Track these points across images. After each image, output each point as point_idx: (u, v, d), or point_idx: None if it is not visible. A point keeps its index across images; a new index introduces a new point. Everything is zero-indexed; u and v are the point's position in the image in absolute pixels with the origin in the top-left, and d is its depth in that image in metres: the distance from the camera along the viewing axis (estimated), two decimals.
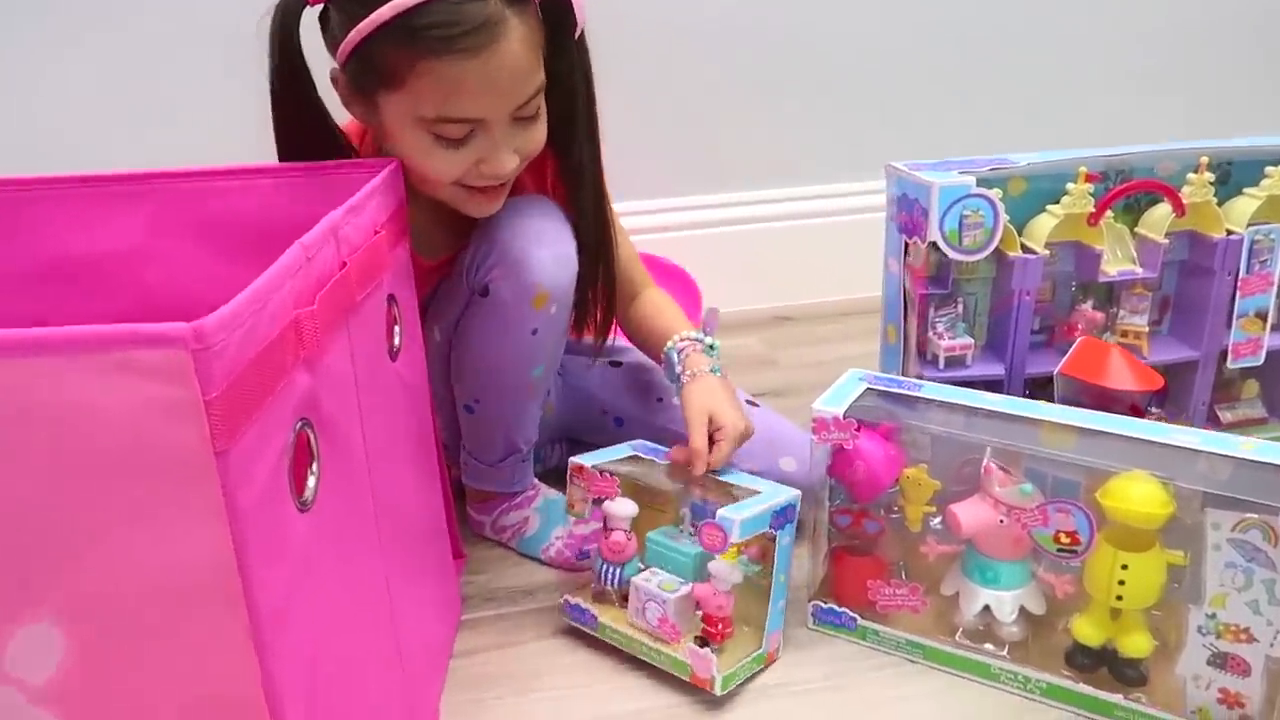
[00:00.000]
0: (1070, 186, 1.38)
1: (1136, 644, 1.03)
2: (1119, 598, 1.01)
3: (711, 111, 1.97)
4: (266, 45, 1.00)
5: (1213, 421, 1.50)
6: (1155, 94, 2.27)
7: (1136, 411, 1.27)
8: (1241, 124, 1.75)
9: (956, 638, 1.16)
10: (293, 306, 0.59)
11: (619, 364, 1.54)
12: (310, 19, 1.01)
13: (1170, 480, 0.98)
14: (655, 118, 1.91)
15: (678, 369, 1.27)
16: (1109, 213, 1.39)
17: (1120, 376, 1.25)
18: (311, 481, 0.62)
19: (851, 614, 1.20)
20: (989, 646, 1.14)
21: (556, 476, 1.39)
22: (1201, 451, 1.00)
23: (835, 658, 1.20)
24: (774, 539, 1.13)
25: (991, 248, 1.36)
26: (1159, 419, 1.37)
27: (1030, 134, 1.92)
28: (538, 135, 1.08)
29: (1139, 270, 1.41)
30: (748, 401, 1.36)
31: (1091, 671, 1.07)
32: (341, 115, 1.09)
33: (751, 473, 1.22)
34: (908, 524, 1.16)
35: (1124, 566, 1.00)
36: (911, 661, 1.18)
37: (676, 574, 1.19)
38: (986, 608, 1.13)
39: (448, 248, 1.26)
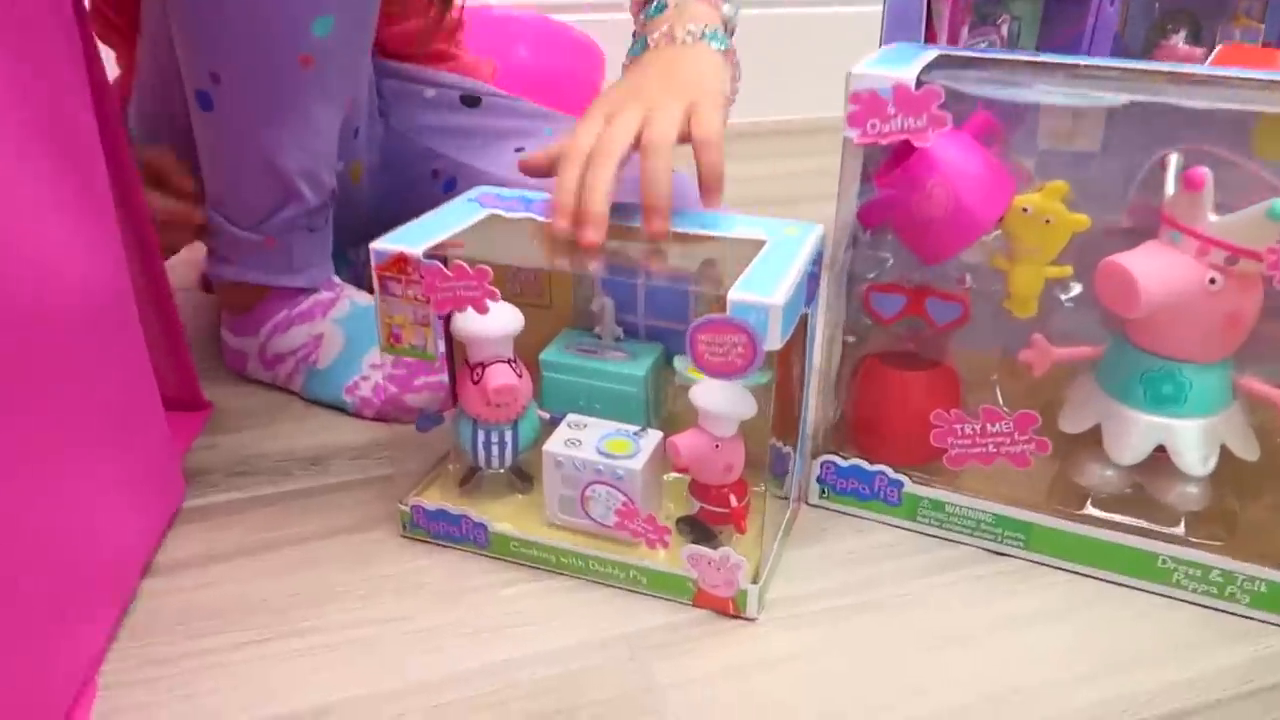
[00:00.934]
0: None
1: None
2: None
3: None
4: None
5: None
6: None
7: None
8: None
9: (1088, 508, 0.65)
10: None
11: (475, 101, 0.95)
12: None
13: None
14: None
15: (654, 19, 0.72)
16: None
17: None
18: None
19: (894, 474, 0.67)
20: (1147, 526, 0.63)
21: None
22: None
23: (866, 554, 0.67)
24: (804, 321, 0.59)
25: None
26: None
27: None
28: None
29: None
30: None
31: None
32: None
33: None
34: (1011, 304, 0.63)
35: None
36: (1003, 554, 0.66)
37: (617, 418, 0.65)
38: (1157, 453, 0.61)
39: None
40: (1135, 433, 0.61)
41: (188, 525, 0.68)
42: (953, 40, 0.99)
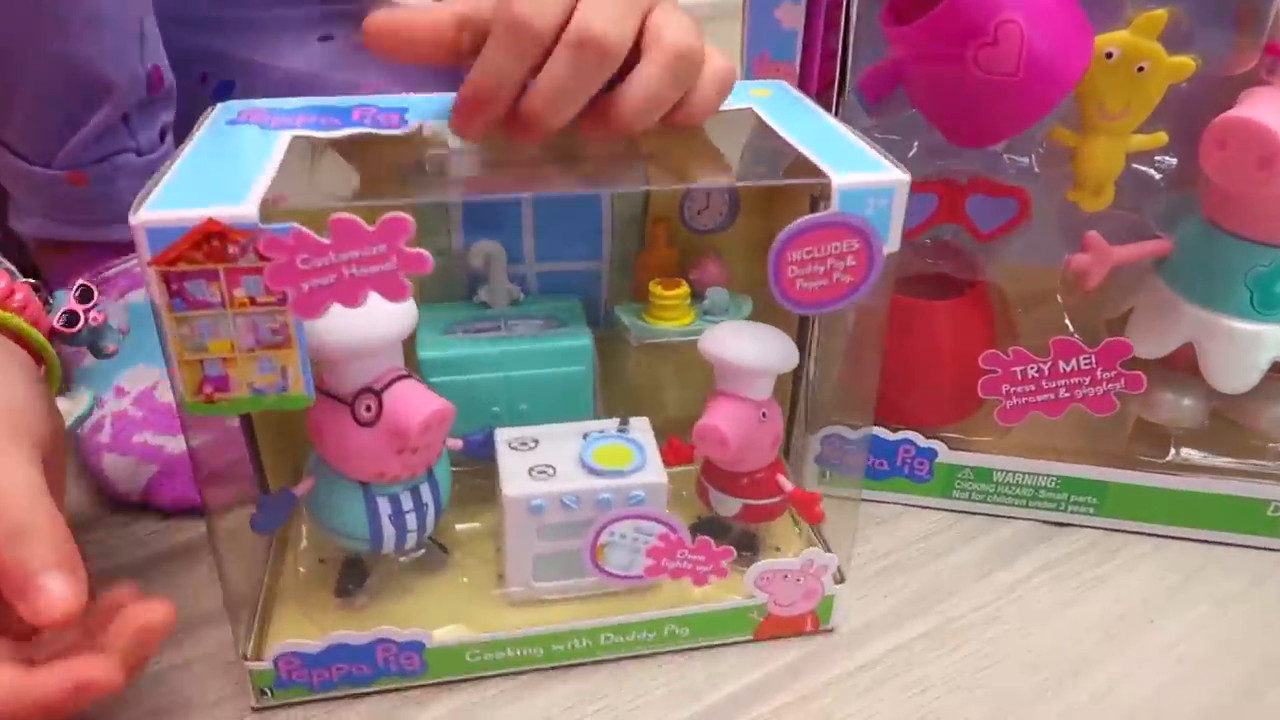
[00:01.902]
0: None
1: None
2: None
3: None
4: None
5: None
6: None
7: None
8: None
9: (1171, 456, 0.50)
10: None
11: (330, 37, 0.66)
12: None
13: None
14: None
15: None
16: None
17: None
18: None
19: (923, 441, 0.50)
20: (1249, 466, 0.50)
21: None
22: None
23: (899, 555, 0.49)
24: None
25: None
26: None
27: None
28: None
29: None
30: None
31: None
32: None
33: None
34: (1079, 194, 0.46)
35: None
36: (1068, 524, 0.51)
37: (557, 414, 0.44)
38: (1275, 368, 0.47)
39: None
40: (1248, 349, 0.46)
41: None
42: None
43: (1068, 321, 0.50)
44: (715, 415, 0.41)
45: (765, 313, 0.43)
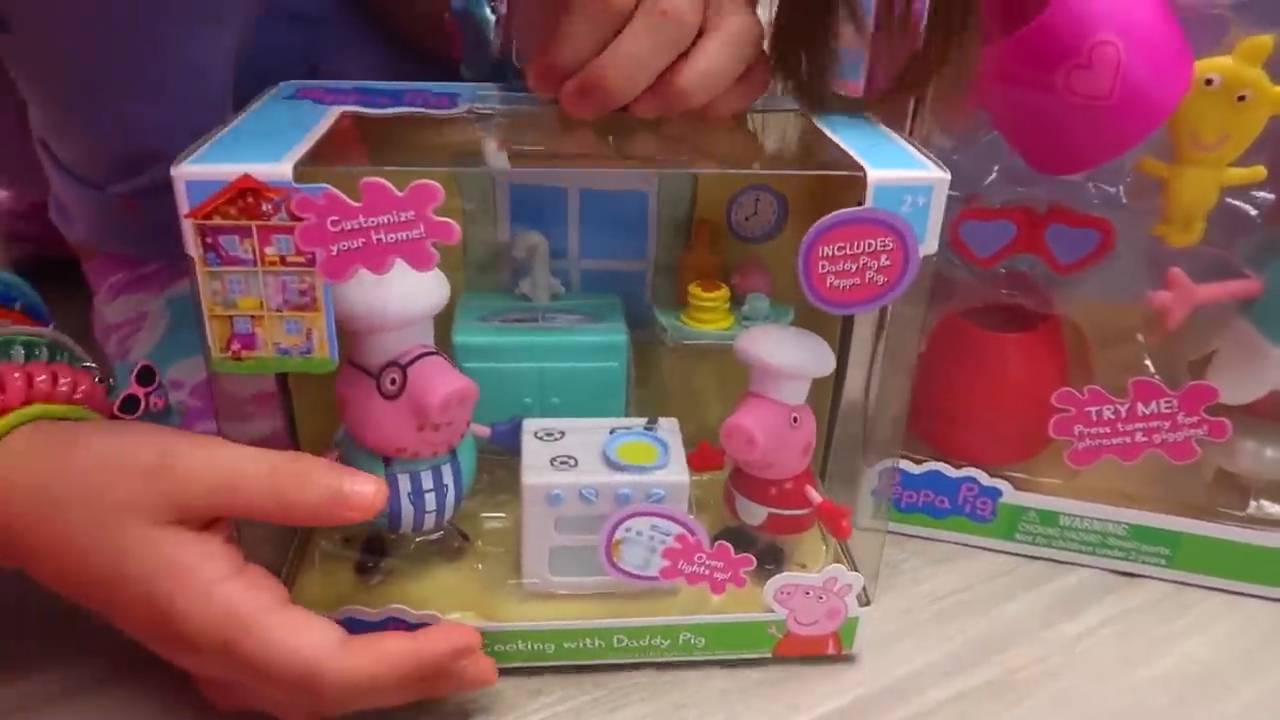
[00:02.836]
0: None
1: None
2: None
3: None
4: None
5: None
6: None
7: None
8: None
9: (1251, 509, 0.47)
10: None
11: None
12: None
13: None
14: None
15: None
16: None
17: None
18: None
19: (987, 480, 0.47)
20: None
21: None
22: None
23: (959, 597, 0.47)
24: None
25: None
26: None
27: None
28: None
29: None
30: None
31: None
32: None
33: None
34: (1168, 228, 0.43)
35: None
36: (1137, 576, 0.48)
37: (587, 409, 0.43)
38: None
39: None
40: None
41: None
42: None
43: (1148, 362, 0.47)
44: (744, 414, 0.39)
45: (806, 324, 0.42)
